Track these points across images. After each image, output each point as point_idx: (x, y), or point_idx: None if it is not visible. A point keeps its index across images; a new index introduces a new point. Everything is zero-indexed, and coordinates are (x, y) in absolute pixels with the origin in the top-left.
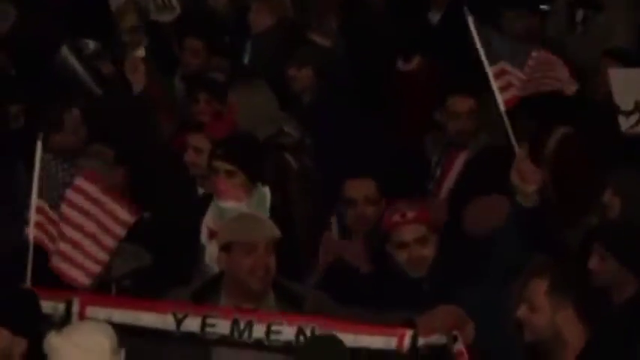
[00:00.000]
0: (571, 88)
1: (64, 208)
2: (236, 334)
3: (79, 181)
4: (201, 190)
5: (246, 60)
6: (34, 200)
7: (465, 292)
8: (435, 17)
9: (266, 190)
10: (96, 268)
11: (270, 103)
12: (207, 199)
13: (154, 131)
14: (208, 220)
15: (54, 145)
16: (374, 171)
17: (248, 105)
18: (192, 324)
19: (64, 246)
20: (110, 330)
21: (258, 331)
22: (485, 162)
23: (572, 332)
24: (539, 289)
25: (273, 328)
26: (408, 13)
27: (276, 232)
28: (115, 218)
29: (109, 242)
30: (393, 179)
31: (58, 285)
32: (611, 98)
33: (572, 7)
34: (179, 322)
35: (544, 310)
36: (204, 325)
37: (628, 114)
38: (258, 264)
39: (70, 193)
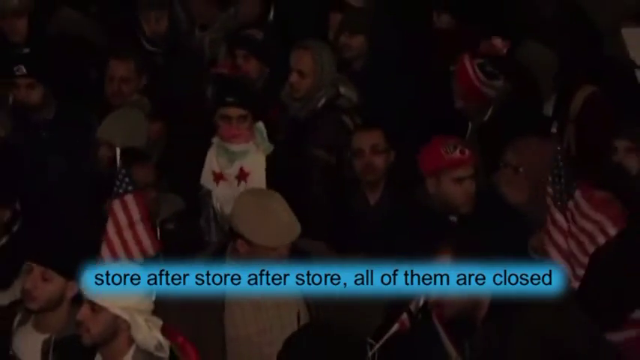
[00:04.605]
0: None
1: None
2: None
3: (127, 197)
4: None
5: (271, 16)
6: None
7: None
8: None
9: (260, 125)
10: None
11: (333, 65)
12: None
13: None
14: (212, 164)
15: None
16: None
17: (318, 66)
18: None
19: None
20: None
21: None
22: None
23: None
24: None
25: None
26: None
27: (297, 232)
28: (140, 244)
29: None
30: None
31: None
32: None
33: None
34: None
35: None
36: None
37: None
38: (281, 258)
39: (115, 204)
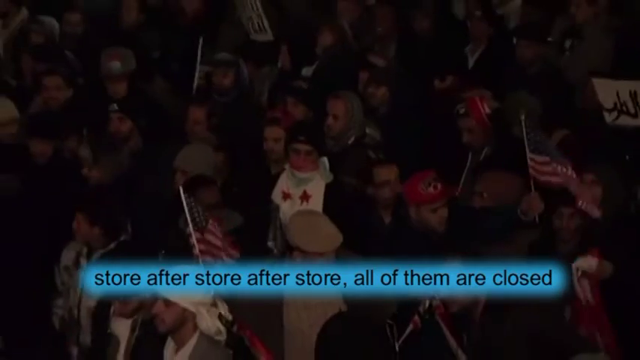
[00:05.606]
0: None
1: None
2: None
3: (211, 225)
4: (273, 169)
5: (308, 73)
6: (192, 232)
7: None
8: (472, 51)
9: (325, 159)
10: None
11: (361, 110)
12: (277, 176)
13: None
14: (282, 185)
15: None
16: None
17: (349, 111)
18: None
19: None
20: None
21: None
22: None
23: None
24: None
25: None
26: (448, 44)
27: (340, 240)
28: (226, 252)
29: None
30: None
31: None
32: (598, 106)
33: (562, 38)
34: None
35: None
36: None
37: (610, 111)
38: (328, 261)
39: (210, 225)
